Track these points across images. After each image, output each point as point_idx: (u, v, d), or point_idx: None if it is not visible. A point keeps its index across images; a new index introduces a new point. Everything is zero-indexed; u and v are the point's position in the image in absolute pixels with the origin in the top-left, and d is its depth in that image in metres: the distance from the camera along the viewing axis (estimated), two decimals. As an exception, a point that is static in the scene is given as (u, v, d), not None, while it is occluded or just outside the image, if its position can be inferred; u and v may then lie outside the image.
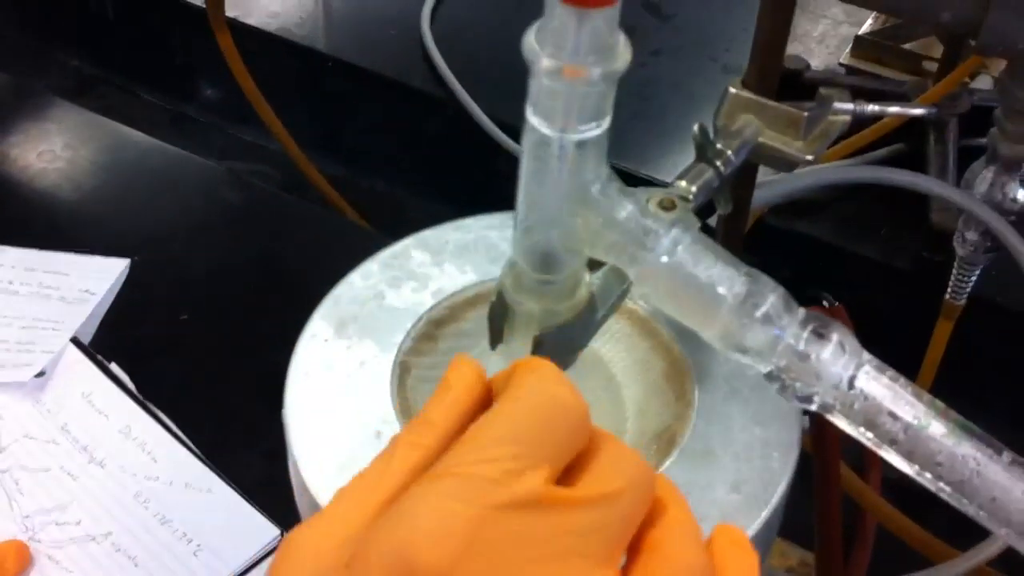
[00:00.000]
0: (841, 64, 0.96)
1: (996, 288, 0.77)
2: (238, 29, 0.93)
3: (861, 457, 0.71)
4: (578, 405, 0.26)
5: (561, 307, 0.33)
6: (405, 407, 0.37)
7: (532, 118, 0.29)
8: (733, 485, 0.35)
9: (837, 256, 0.86)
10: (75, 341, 0.69)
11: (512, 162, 0.32)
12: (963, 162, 0.67)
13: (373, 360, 0.38)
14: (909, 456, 0.30)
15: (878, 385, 0.30)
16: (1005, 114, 0.61)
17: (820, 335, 0.30)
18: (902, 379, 0.30)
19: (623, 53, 0.28)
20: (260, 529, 0.60)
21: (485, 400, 0.27)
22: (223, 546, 0.59)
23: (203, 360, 0.72)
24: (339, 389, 0.37)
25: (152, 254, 0.78)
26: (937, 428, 0.30)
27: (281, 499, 0.61)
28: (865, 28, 0.97)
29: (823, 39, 1.02)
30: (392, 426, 0.36)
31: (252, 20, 1.03)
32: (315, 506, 0.34)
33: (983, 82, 0.91)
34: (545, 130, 0.29)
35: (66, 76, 1.14)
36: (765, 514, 0.34)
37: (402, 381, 0.38)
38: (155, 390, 0.67)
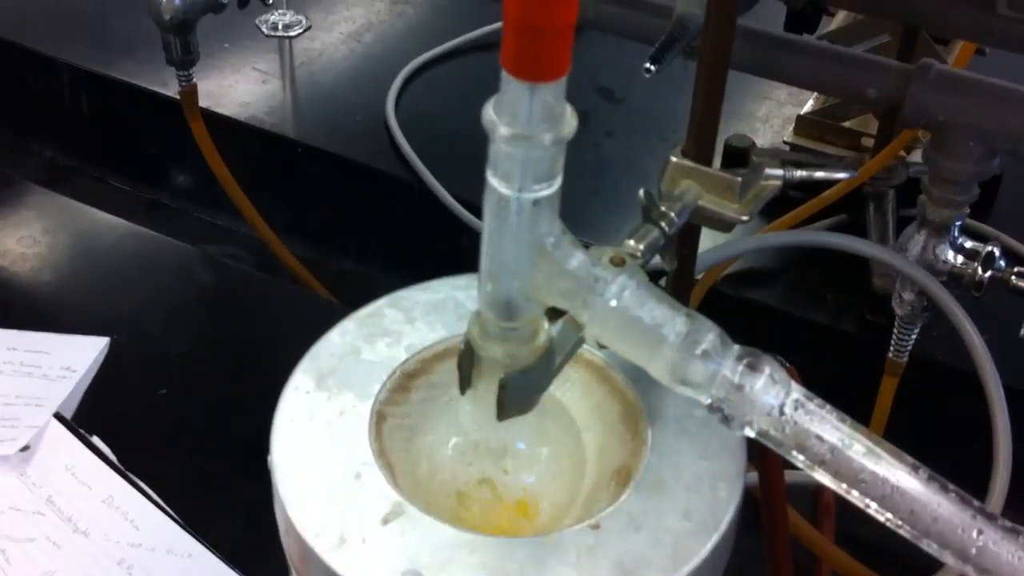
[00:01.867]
0: (785, 142, 1.02)
1: (938, 348, 0.82)
2: (210, 118, 0.98)
3: (815, 510, 0.74)
4: None
5: (523, 352, 0.37)
6: (381, 451, 0.40)
7: (492, 180, 0.33)
8: (684, 513, 0.38)
9: (787, 321, 0.90)
10: (58, 416, 0.71)
11: (475, 238, 0.36)
12: (902, 230, 0.71)
13: (351, 409, 0.41)
14: (836, 475, 0.33)
15: (805, 411, 0.33)
16: (931, 181, 0.66)
17: (753, 368, 0.34)
18: (828, 406, 0.34)
19: (570, 120, 0.32)
20: (240, 591, 0.62)
21: None
22: (204, 609, 0.61)
23: (182, 432, 0.74)
24: (321, 436, 0.40)
25: (130, 333, 0.80)
26: (859, 448, 0.33)
27: (260, 561, 0.63)
28: (807, 108, 1.03)
29: (768, 119, 1.08)
30: (370, 468, 0.39)
31: (223, 110, 1.07)
32: (301, 543, 0.37)
33: (919, 156, 0.97)
34: (504, 190, 0.33)
35: (42, 168, 1.17)
36: (715, 538, 0.37)
37: (378, 428, 0.41)
38: (136, 461, 0.70)
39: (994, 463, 0.63)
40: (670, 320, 0.34)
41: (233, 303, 0.87)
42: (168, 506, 0.67)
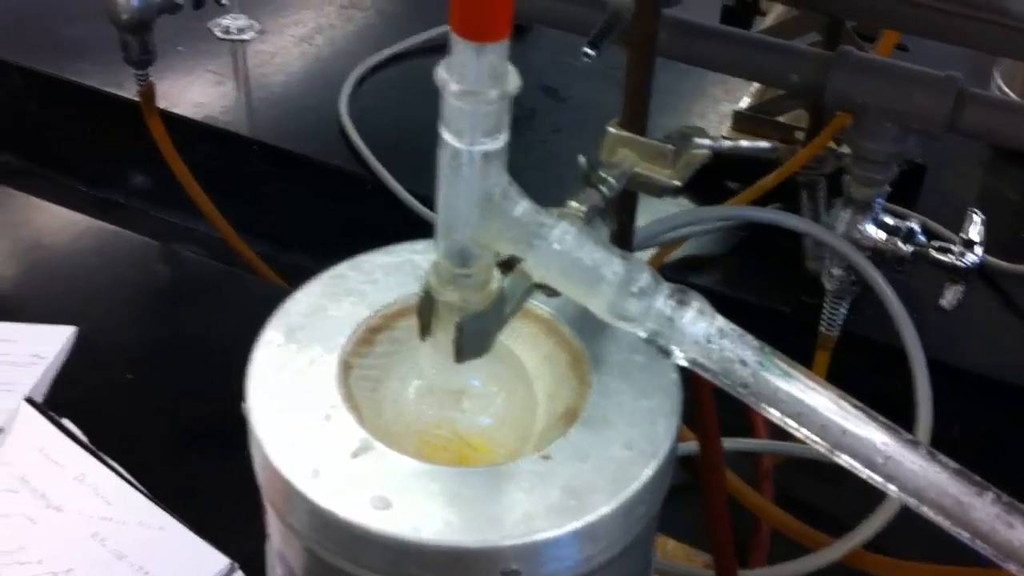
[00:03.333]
0: (723, 137, 1.07)
1: (869, 326, 0.87)
2: (165, 118, 1.00)
3: (756, 477, 0.79)
4: None
5: (477, 298, 0.41)
6: (349, 396, 0.44)
7: (445, 134, 0.37)
8: (626, 444, 0.42)
9: (728, 303, 0.94)
10: (29, 400, 0.74)
11: (429, 232, 0.39)
12: (832, 215, 0.76)
13: (320, 359, 0.44)
14: (758, 396, 0.38)
15: (728, 340, 0.38)
16: (854, 161, 0.71)
17: (682, 303, 0.38)
18: (749, 336, 0.38)
19: (513, 78, 0.35)
20: (211, 559, 0.65)
21: None
22: (176, 576, 0.64)
23: (150, 413, 0.77)
24: (292, 383, 0.43)
25: (96, 322, 0.83)
26: (776, 371, 0.37)
27: (229, 532, 0.66)
28: (742, 104, 1.08)
29: (704, 115, 1.13)
30: (339, 410, 0.42)
31: (179, 110, 1.10)
32: (278, 477, 0.40)
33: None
34: (456, 144, 0.36)
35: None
36: (655, 464, 0.41)
37: (345, 376, 0.44)
38: (106, 442, 0.72)
39: (915, 428, 0.67)
40: (608, 261, 0.38)
41: (194, 293, 0.90)
42: (139, 482, 0.70)
